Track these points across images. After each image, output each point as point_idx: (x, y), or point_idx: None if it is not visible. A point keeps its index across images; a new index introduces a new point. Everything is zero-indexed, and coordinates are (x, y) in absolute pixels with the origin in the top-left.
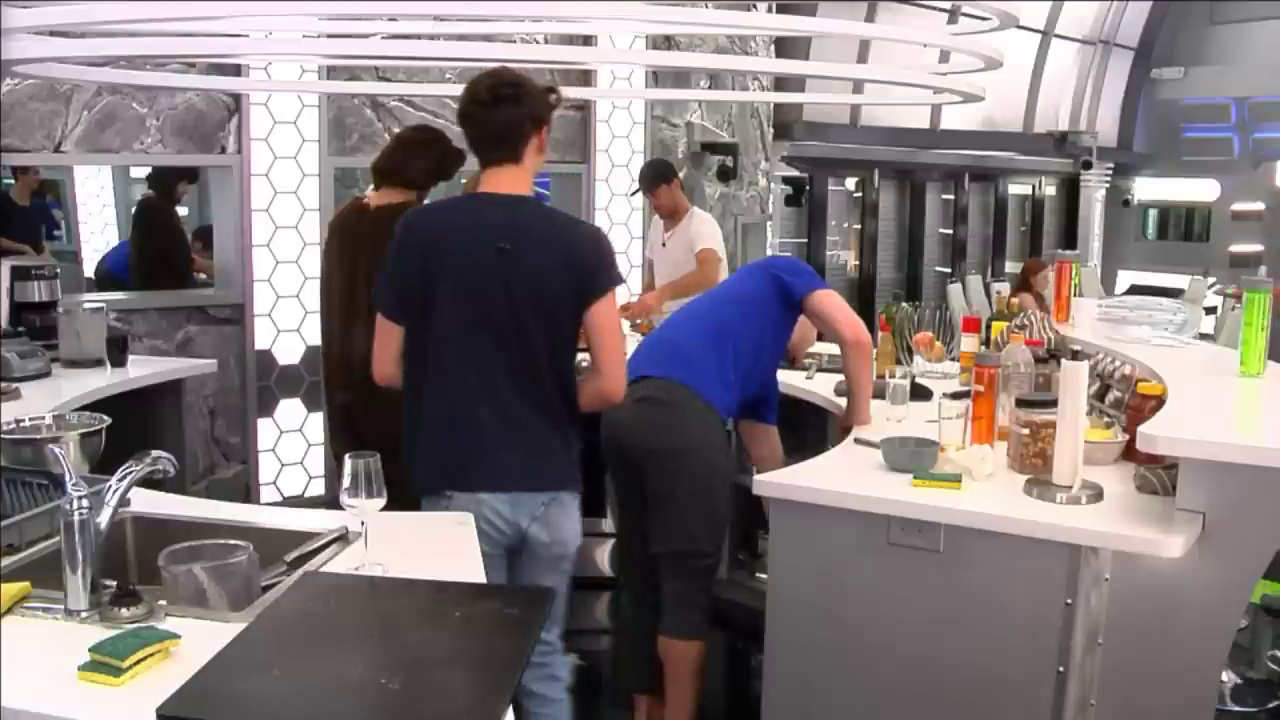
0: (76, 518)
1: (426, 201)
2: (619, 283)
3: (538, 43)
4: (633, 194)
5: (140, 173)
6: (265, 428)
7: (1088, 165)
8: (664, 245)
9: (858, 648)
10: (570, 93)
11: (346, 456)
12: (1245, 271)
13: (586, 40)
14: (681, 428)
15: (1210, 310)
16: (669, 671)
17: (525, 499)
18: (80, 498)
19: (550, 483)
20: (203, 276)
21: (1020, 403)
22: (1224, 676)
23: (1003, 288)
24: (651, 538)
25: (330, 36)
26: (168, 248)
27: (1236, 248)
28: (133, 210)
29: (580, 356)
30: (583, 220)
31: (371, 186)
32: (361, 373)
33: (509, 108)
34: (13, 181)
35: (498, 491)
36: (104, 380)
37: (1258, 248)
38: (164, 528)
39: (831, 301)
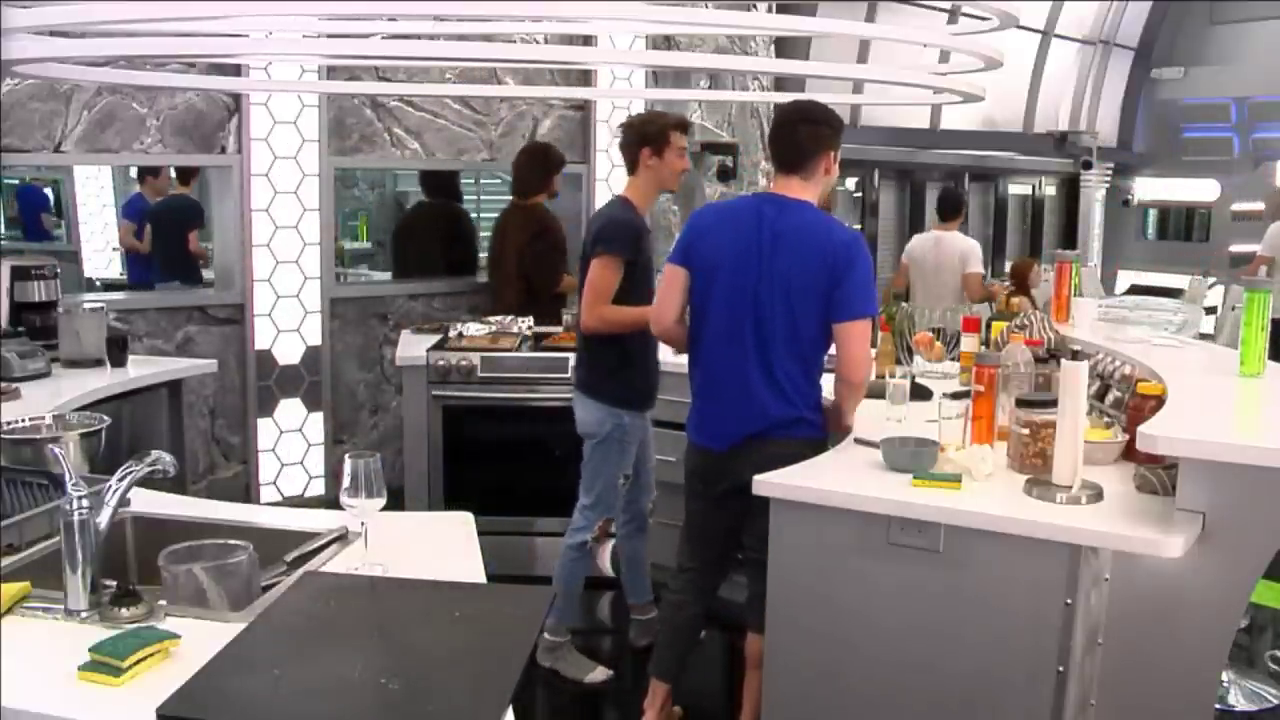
0: (76, 518)
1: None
2: None
3: (538, 43)
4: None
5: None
6: (265, 428)
7: (1088, 165)
8: None
9: (857, 647)
10: (570, 93)
11: (346, 457)
12: (1245, 271)
13: (586, 40)
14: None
15: (1210, 310)
16: (755, 665)
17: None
18: (80, 498)
19: (578, 385)
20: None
21: (1020, 403)
22: (1224, 676)
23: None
24: (753, 543)
25: (330, 36)
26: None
27: (1236, 248)
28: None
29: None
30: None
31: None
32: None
33: None
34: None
35: None
36: (104, 380)
37: (1257, 248)
38: (164, 528)
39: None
